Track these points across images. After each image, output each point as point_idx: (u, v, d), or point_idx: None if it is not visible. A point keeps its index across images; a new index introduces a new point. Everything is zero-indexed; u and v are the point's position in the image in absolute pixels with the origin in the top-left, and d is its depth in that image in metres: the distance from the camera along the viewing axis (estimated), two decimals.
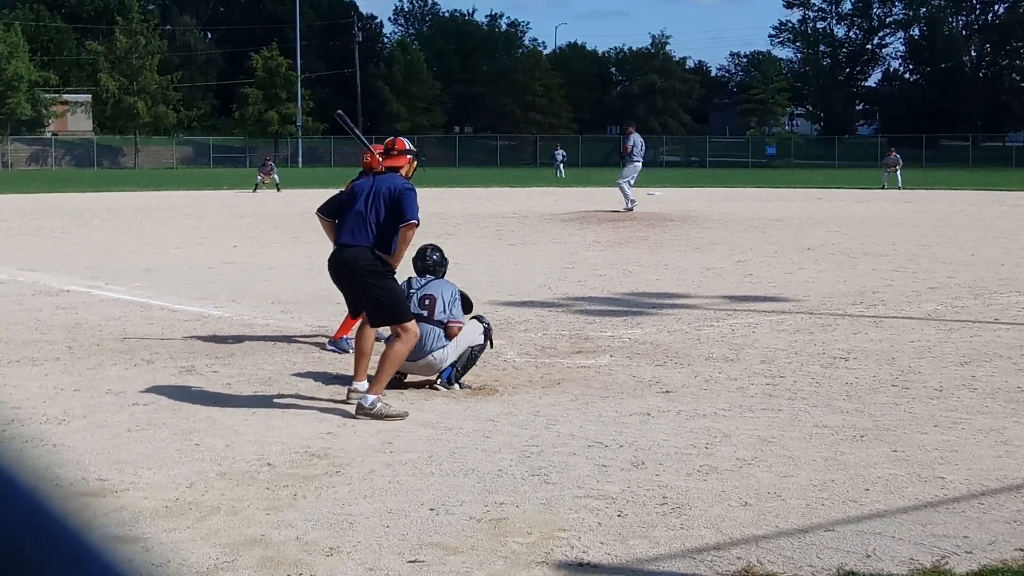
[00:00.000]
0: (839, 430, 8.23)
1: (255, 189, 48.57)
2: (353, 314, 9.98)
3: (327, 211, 9.58)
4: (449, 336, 9.88)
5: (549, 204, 33.39)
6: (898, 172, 52.55)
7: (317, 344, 11.81)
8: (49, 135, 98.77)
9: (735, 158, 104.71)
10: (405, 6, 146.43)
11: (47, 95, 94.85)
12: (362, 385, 9.12)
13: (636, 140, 31.82)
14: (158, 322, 13.38)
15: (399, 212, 9.04)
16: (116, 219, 31.87)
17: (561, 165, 73.81)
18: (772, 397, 9.37)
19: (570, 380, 10.08)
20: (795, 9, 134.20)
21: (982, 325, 13.23)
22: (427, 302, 9.97)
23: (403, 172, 9.65)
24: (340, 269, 9.15)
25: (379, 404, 8.62)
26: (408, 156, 9.85)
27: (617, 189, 32.01)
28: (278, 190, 48.62)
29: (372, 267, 8.93)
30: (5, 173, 77.60)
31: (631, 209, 31.28)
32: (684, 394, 9.50)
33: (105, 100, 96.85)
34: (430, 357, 9.70)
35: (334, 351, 11.42)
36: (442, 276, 10.49)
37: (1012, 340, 12.15)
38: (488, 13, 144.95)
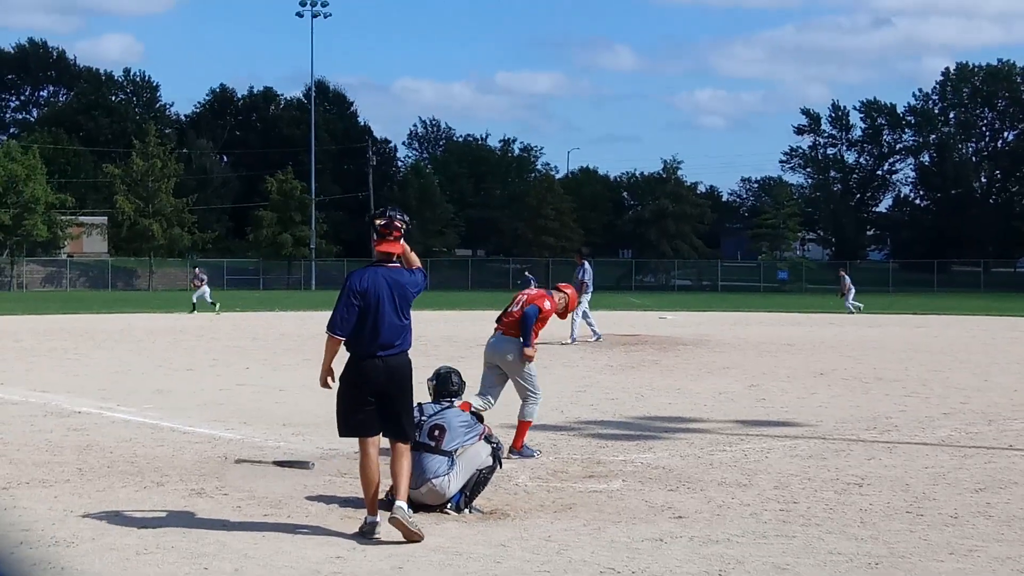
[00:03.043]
0: (853, 557, 8.15)
1: (192, 310, 48.58)
2: (368, 430, 8.99)
3: (347, 330, 8.91)
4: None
5: (561, 327, 33.26)
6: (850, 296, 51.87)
7: (333, 473, 11.75)
8: (64, 256, 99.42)
9: (747, 282, 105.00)
10: (419, 130, 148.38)
11: (63, 217, 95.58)
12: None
13: (589, 269, 31.17)
14: (169, 444, 13.36)
15: (409, 304, 9.04)
16: (128, 340, 31.94)
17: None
18: (786, 523, 9.30)
19: (582, 505, 10.01)
20: (805, 135, 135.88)
21: (996, 451, 13.16)
22: (436, 433, 9.93)
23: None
24: (391, 377, 8.89)
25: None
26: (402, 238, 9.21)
27: (581, 322, 30.61)
28: (193, 309, 48.40)
29: (410, 375, 8.98)
30: (20, 294, 78.02)
31: (575, 341, 30.12)
32: (697, 519, 9.43)
33: (121, 222, 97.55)
34: (432, 483, 9.64)
35: (532, 456, 12.40)
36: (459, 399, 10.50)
37: None
38: (501, 138, 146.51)
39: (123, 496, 10.25)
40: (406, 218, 9.19)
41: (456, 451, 9.91)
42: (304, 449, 12.94)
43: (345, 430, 9.10)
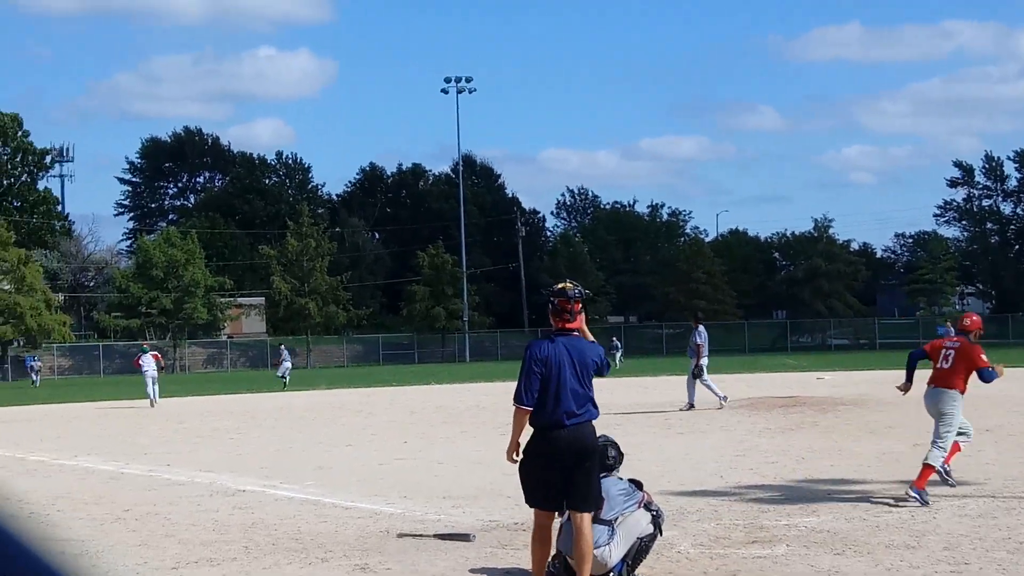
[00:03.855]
0: None
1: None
2: (553, 502, 9.06)
3: (532, 400, 8.88)
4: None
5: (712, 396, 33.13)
6: None
7: (495, 545, 11.75)
8: (224, 337, 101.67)
9: (906, 339, 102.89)
10: (567, 200, 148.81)
11: (222, 299, 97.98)
12: None
13: (704, 332, 31.12)
14: (331, 519, 13.50)
15: (591, 373, 8.97)
16: (288, 418, 32.43)
17: (617, 354, 70.26)
18: None
19: (746, 571, 9.87)
20: (959, 188, 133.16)
21: None
22: None
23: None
24: (575, 446, 8.81)
25: None
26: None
27: (702, 387, 30.01)
28: (285, 387, 51.43)
29: (595, 443, 8.96)
30: (183, 376, 79.78)
31: (726, 399, 30.16)
32: None
33: (278, 302, 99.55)
34: (593, 553, 9.57)
35: (917, 499, 13.19)
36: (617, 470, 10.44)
37: None
38: (649, 204, 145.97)
39: (289, 573, 10.38)
40: (585, 292, 9.26)
41: (616, 520, 9.85)
42: (464, 521, 12.97)
43: (532, 501, 9.08)
